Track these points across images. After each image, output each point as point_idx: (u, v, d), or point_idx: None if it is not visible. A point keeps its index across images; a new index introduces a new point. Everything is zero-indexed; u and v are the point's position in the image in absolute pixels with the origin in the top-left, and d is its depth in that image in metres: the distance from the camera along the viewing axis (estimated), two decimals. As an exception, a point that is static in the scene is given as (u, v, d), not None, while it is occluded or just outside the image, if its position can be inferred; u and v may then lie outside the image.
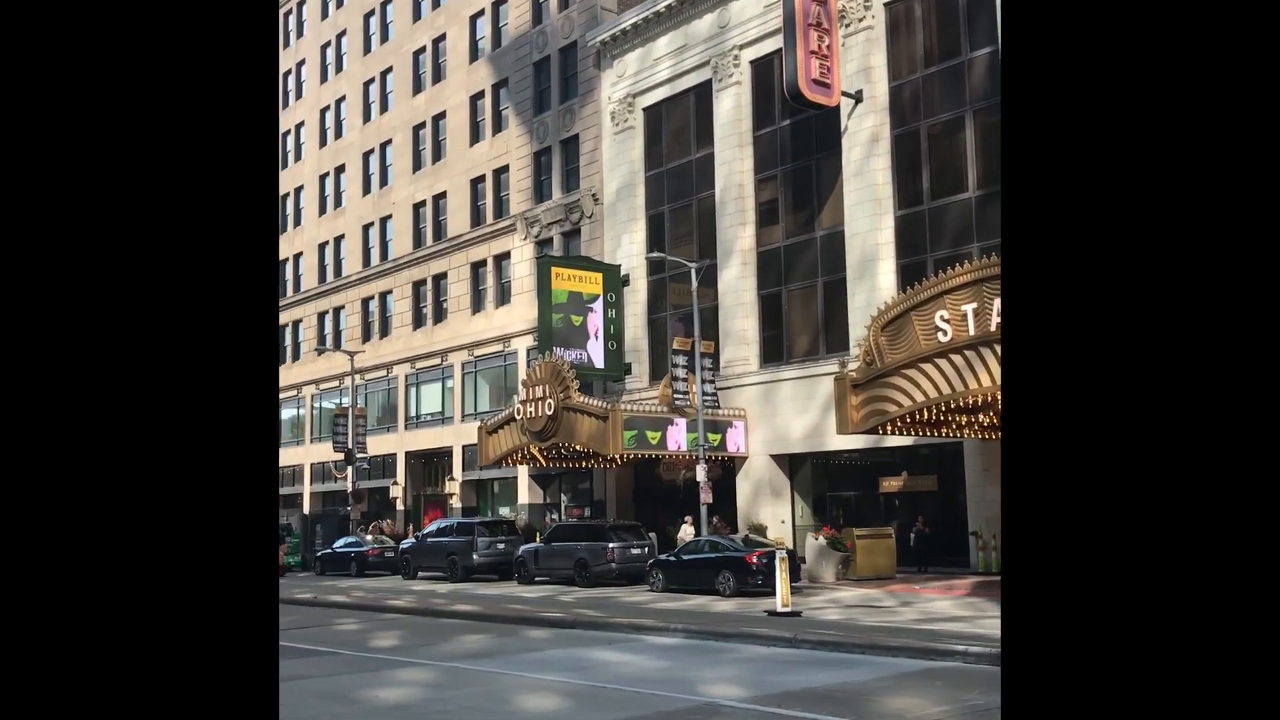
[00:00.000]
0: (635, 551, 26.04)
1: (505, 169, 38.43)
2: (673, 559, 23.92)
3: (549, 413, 28.78)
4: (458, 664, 12.74)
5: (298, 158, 50.75)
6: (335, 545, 35.89)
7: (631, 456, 28.46)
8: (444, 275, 40.82)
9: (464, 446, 38.63)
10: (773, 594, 21.39)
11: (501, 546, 29.53)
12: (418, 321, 42.10)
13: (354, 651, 14.56)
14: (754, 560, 21.86)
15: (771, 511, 28.58)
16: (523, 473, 35.95)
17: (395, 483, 41.55)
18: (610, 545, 25.85)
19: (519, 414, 29.90)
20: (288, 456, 49.39)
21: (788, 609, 17.31)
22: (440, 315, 40.97)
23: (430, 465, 42.02)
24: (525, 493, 36.50)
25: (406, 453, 41.84)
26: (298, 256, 50.03)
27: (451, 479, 39.45)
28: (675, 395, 26.79)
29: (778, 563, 17.77)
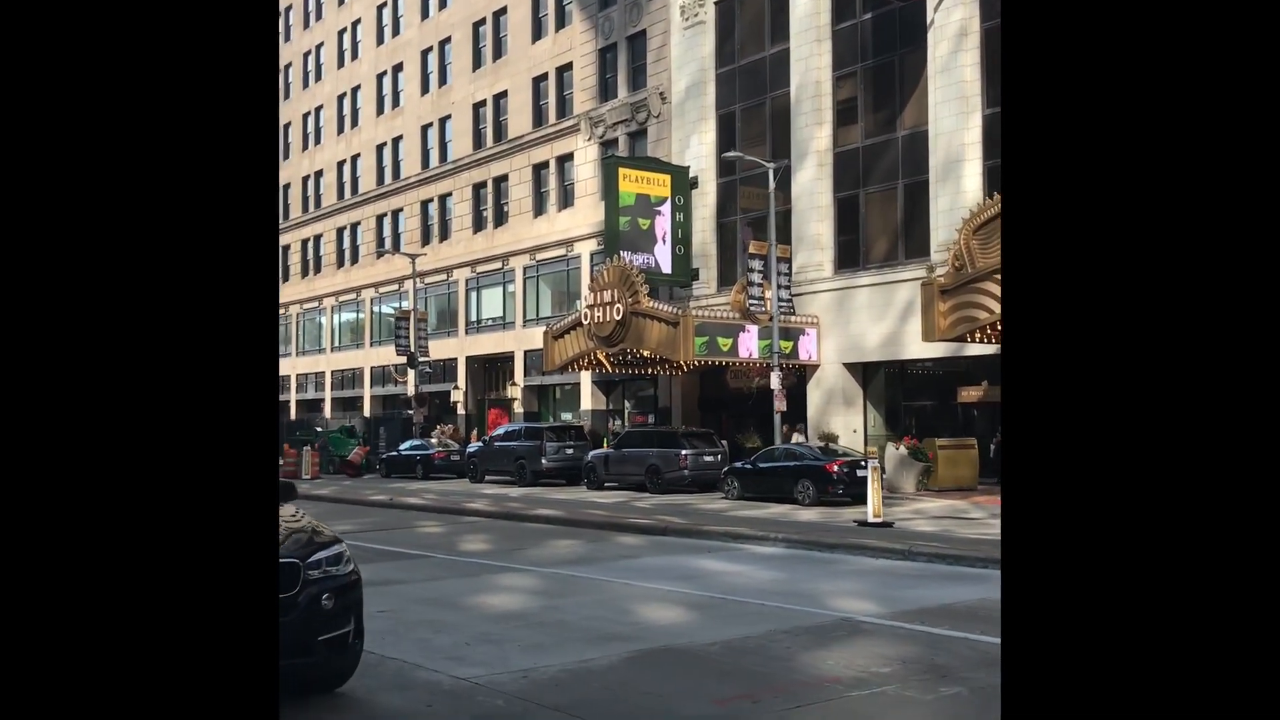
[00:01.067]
0: (708, 459, 25.71)
1: (569, 67, 37.34)
2: (749, 466, 23.56)
3: (617, 318, 28.24)
4: (558, 570, 12.46)
5: (354, 57, 49.84)
6: (400, 448, 36.03)
7: (701, 363, 27.96)
8: (505, 177, 40.09)
9: (526, 351, 38.38)
10: (853, 504, 21.08)
11: (570, 452, 29.36)
12: (478, 224, 41.55)
13: (446, 555, 14.36)
14: (834, 469, 21.45)
15: (843, 421, 28.03)
16: (586, 378, 35.65)
17: (456, 387, 41.50)
18: (683, 452, 25.53)
19: (585, 319, 29.41)
20: (348, 359, 49.60)
21: (879, 519, 16.88)
22: (501, 218, 40.36)
23: (491, 370, 41.89)
24: (588, 399, 36.26)
25: (467, 357, 41.70)
26: (355, 158, 49.46)
27: (513, 384, 39.30)
28: (750, 301, 26.12)
29: (870, 472, 17.29)
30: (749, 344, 27.66)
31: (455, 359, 42.01)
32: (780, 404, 25.20)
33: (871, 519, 16.88)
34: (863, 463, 21.71)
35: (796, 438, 25.32)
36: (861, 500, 20.97)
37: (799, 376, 28.78)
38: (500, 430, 33.06)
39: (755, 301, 26.13)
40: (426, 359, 39.57)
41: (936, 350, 24.86)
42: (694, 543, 15.28)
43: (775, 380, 25.16)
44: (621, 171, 31.35)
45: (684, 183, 32.21)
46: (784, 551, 14.20)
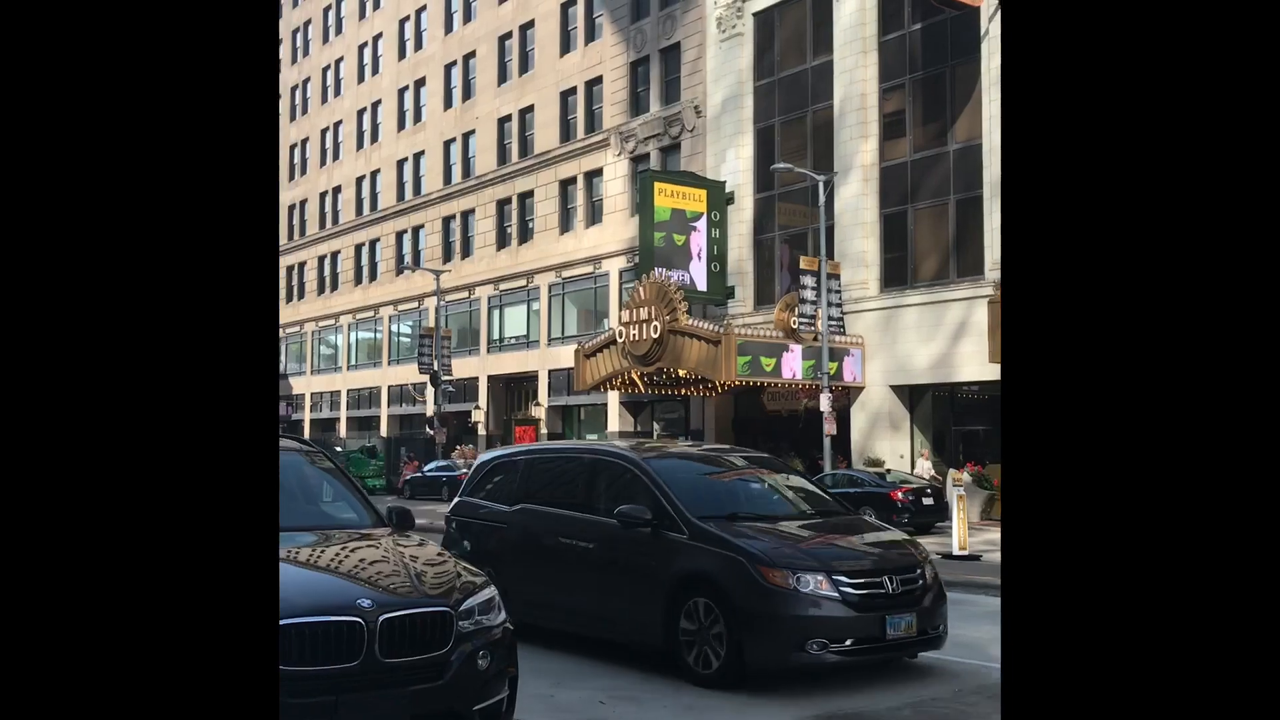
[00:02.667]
0: (757, 483, 24.65)
1: (598, 80, 36.52)
2: (803, 492, 22.53)
3: (654, 335, 27.29)
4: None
5: (375, 71, 49.09)
6: (425, 469, 35.01)
7: (742, 384, 26.97)
8: (530, 193, 39.22)
9: (550, 371, 37.42)
10: (918, 534, 20.05)
11: (606, 474, 28.27)
12: (502, 241, 40.64)
13: (514, 589, 13.29)
14: (899, 497, 20.43)
15: (889, 445, 27.04)
16: (613, 399, 34.66)
17: (477, 407, 40.49)
18: (731, 476, 24.46)
19: (620, 337, 28.45)
20: (365, 378, 48.62)
21: (965, 552, 15.85)
22: (526, 235, 39.46)
23: (514, 390, 40.89)
24: (615, 420, 35.25)
25: (489, 377, 40.70)
26: (375, 174, 48.63)
27: (537, 404, 38.29)
28: (801, 319, 25.12)
29: (955, 500, 16.27)
30: (793, 364, 26.71)
31: (476, 378, 41.02)
32: (830, 427, 24.20)
33: (957, 551, 15.84)
34: (928, 490, 20.79)
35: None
36: (926, 529, 20.05)
37: (845, 399, 27.82)
38: (530, 452, 32.00)
39: (805, 320, 25.12)
40: (449, 378, 38.56)
41: (989, 373, 23.89)
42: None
43: (825, 402, 24.16)
44: (657, 186, 30.48)
45: (720, 198, 31.33)
46: (891, 588, 13.12)
